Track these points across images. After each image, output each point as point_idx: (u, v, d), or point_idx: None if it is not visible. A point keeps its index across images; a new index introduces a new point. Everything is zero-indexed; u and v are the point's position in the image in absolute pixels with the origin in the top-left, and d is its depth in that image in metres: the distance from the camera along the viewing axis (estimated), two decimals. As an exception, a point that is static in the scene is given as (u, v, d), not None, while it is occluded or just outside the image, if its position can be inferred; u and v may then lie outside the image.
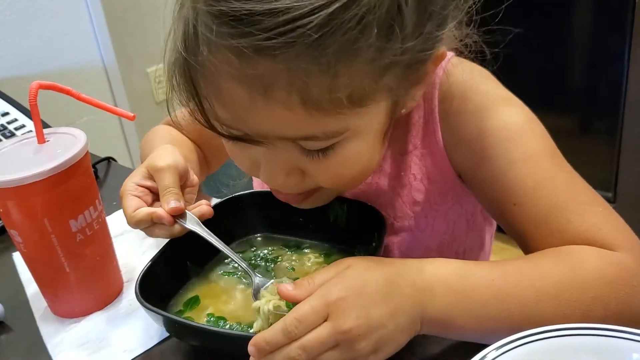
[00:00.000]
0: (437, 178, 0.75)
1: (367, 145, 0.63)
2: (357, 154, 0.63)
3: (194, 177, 0.79)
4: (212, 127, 0.62)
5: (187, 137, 0.98)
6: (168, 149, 0.78)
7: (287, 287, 0.59)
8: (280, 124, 0.57)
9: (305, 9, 0.50)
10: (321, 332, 0.54)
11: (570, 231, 0.64)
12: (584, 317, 0.57)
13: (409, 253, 0.80)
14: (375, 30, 0.52)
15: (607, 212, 0.65)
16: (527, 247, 0.68)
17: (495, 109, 0.70)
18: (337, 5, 0.50)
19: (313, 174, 0.65)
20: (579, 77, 2.10)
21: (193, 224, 0.72)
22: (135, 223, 0.71)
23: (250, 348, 0.56)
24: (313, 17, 0.50)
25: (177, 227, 0.71)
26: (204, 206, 0.74)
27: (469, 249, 0.85)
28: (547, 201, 0.65)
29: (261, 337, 0.55)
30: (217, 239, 0.73)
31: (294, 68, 0.52)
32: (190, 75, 0.59)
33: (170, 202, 0.71)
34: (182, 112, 0.97)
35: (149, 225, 0.72)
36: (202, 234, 0.72)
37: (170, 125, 1.00)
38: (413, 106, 0.68)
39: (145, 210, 0.71)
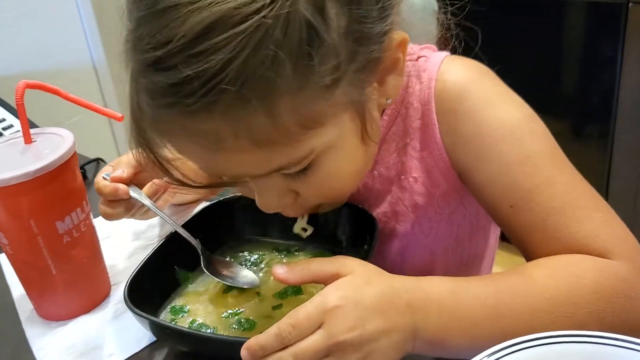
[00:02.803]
0: (439, 180, 0.74)
1: (346, 153, 0.63)
2: (338, 165, 0.63)
3: None
4: (186, 185, 0.66)
5: None
6: None
7: (279, 270, 0.60)
8: (245, 167, 0.59)
9: (216, 67, 0.50)
10: (315, 340, 0.54)
11: (567, 237, 0.62)
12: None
13: (413, 259, 0.79)
14: (290, 64, 0.51)
15: (606, 217, 0.64)
16: (525, 250, 0.67)
17: (492, 107, 0.68)
18: (245, 52, 0.50)
19: (304, 192, 0.65)
20: (572, 81, 2.10)
21: (143, 199, 0.78)
22: (98, 189, 0.79)
23: (243, 352, 0.55)
24: (225, 72, 0.50)
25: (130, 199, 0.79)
26: (157, 181, 0.80)
27: (474, 252, 0.83)
28: (544, 205, 0.64)
29: (254, 341, 0.55)
30: (162, 212, 0.79)
31: (231, 119, 0.53)
32: (149, 146, 0.62)
33: (116, 171, 0.79)
34: None
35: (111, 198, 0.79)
36: (150, 207, 0.78)
37: None
38: (397, 94, 0.67)
39: (105, 183, 0.79)
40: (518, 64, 2.05)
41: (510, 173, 0.66)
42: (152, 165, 0.63)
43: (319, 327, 0.54)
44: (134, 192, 0.77)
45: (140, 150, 0.63)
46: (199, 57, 0.50)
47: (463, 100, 0.69)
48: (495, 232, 0.86)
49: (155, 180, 0.79)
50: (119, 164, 0.79)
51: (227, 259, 0.80)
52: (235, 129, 0.54)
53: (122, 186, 0.77)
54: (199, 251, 0.77)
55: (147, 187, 0.79)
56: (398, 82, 0.65)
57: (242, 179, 0.62)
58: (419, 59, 0.73)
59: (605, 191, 1.99)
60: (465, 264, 0.83)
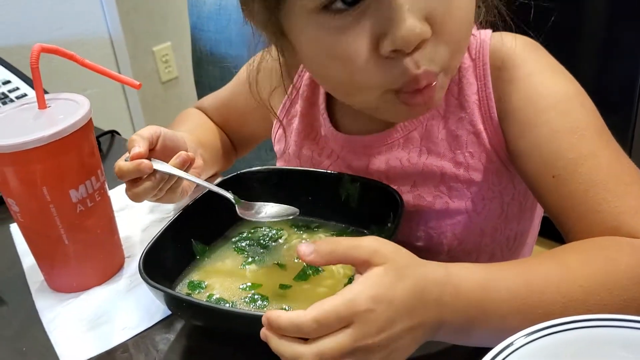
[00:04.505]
0: (493, 157, 0.74)
1: None
2: None
3: (197, 161, 0.83)
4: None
5: (214, 123, 1.02)
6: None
7: (306, 251, 0.55)
8: None
9: None
10: (343, 342, 0.50)
11: (605, 211, 0.62)
12: None
13: (463, 237, 0.78)
14: None
15: None
16: (563, 224, 0.66)
17: (545, 76, 0.69)
18: None
19: (441, 18, 0.60)
20: (592, 70, 2.06)
21: (169, 169, 0.75)
22: (120, 170, 0.73)
23: (264, 319, 0.52)
24: None
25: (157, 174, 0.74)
26: (183, 154, 0.76)
27: (520, 232, 0.82)
28: (587, 177, 0.63)
29: (276, 319, 0.51)
30: (192, 176, 0.76)
31: None
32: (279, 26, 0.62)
33: (133, 149, 0.74)
34: (210, 99, 0.99)
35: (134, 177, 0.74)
36: (178, 174, 0.75)
37: (200, 109, 1.04)
38: None
39: (125, 162, 0.73)
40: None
41: (556, 141, 0.66)
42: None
43: (347, 326, 0.51)
44: (157, 165, 0.74)
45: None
46: None
47: (517, 69, 0.70)
48: (539, 213, 0.86)
49: (182, 152, 0.76)
50: (132, 142, 0.75)
51: (259, 203, 0.77)
52: None
53: (144, 160, 0.73)
54: (233, 200, 0.75)
55: (174, 159, 0.75)
56: None
57: None
58: None
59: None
60: (511, 245, 0.82)
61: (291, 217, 0.74)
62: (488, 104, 0.72)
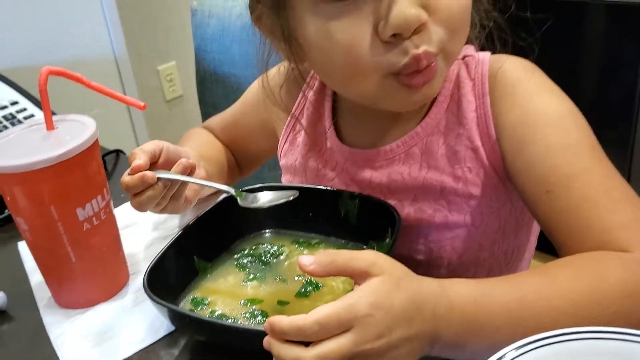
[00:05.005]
0: (491, 173, 0.76)
1: None
2: None
3: (200, 171, 0.85)
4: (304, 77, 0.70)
5: (221, 142, 1.04)
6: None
7: (306, 261, 0.57)
8: None
9: None
10: (343, 345, 0.52)
11: (596, 226, 0.63)
12: None
13: (462, 251, 0.79)
14: None
15: (638, 212, 0.64)
16: (556, 239, 0.67)
17: (541, 96, 0.72)
18: None
19: (435, 5, 0.64)
20: (591, 85, 2.07)
21: (172, 175, 0.76)
22: (126, 185, 0.75)
23: (266, 325, 0.54)
24: None
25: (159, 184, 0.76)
26: (184, 161, 0.78)
27: (517, 247, 0.84)
28: (579, 193, 0.65)
29: (278, 323, 0.53)
30: (195, 178, 0.79)
31: None
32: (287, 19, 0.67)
33: (134, 162, 0.75)
34: (217, 119, 1.01)
35: (141, 189, 0.75)
36: (180, 179, 0.77)
37: (206, 129, 1.06)
38: None
39: (130, 176, 0.75)
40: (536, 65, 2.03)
41: (550, 158, 0.68)
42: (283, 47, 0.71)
43: (346, 331, 0.53)
44: (159, 173, 0.76)
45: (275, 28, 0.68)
46: None
47: (514, 88, 0.73)
48: (535, 229, 0.87)
49: (182, 160, 0.77)
50: (133, 155, 0.77)
51: (257, 193, 0.79)
52: None
53: (147, 172, 0.75)
54: (234, 194, 0.77)
55: (175, 167, 0.77)
56: None
57: None
58: (465, 58, 0.77)
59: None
60: (509, 259, 0.84)
61: (292, 199, 0.76)
62: (486, 121, 0.74)
